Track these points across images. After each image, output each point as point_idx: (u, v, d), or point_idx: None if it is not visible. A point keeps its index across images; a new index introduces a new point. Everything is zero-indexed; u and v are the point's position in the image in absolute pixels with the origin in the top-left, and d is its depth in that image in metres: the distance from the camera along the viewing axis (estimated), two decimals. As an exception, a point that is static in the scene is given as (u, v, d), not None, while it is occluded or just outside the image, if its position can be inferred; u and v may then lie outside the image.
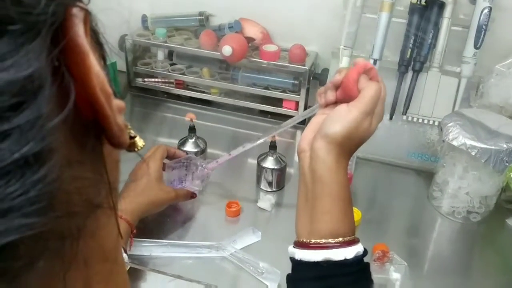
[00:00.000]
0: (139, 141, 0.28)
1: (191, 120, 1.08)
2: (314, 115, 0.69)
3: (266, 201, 1.03)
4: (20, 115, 0.17)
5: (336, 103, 0.66)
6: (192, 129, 1.10)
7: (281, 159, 1.06)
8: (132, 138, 0.27)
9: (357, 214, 1.00)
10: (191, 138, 1.10)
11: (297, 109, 1.26)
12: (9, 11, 0.17)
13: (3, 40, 0.17)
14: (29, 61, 0.18)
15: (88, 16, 0.21)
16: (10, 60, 0.17)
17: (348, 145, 0.61)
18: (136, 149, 0.27)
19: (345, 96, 0.63)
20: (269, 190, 1.06)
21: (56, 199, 0.19)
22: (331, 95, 0.66)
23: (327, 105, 0.67)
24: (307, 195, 0.62)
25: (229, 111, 1.30)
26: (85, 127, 0.22)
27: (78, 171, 0.21)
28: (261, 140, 0.90)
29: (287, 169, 1.08)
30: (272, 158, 1.05)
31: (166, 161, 0.94)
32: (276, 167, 1.04)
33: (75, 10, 0.20)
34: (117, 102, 0.23)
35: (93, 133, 0.23)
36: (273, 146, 1.06)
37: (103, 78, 0.21)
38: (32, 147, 0.18)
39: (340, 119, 0.60)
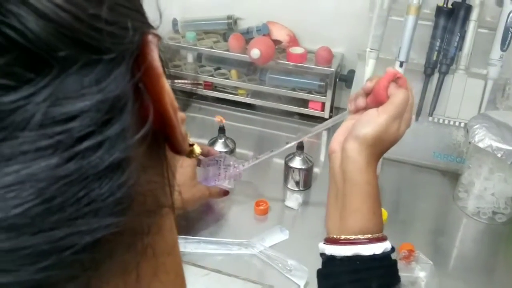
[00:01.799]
0: (197, 149, 0.30)
1: (221, 121, 1.11)
2: (342, 121, 0.72)
3: (294, 200, 1.05)
4: (110, 128, 0.20)
5: (365, 109, 0.69)
6: (221, 130, 1.12)
7: (308, 159, 1.08)
8: (190, 146, 0.29)
9: (383, 214, 1.00)
10: (221, 139, 1.13)
11: (323, 110, 1.27)
12: (106, 43, 0.20)
13: (99, 67, 0.20)
14: (117, 83, 0.20)
15: (160, 41, 0.23)
16: (104, 83, 0.20)
17: (378, 147, 0.63)
18: (194, 156, 0.30)
19: (375, 102, 0.67)
20: (296, 189, 1.08)
21: (135, 200, 0.21)
22: (361, 101, 0.69)
23: (357, 110, 0.70)
24: (337, 194, 0.64)
25: (256, 111, 1.31)
26: (155, 137, 0.24)
27: (150, 175, 0.24)
28: (290, 145, 0.91)
29: (314, 169, 1.09)
30: (300, 158, 1.07)
31: (201, 157, 0.97)
32: (303, 167, 1.06)
33: (150, 37, 0.23)
34: (181, 115, 0.25)
35: (161, 141, 0.25)
36: (300, 147, 1.09)
37: (172, 95, 0.24)
38: (119, 155, 0.20)
39: (371, 122, 0.63)
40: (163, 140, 0.25)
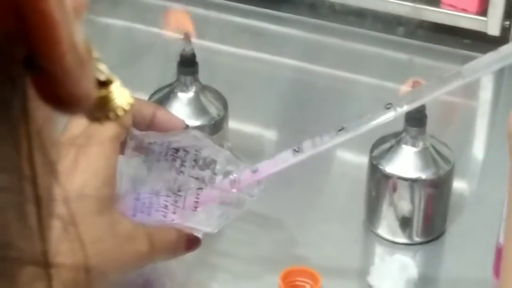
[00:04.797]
0: (122, 95, 0.16)
1: (187, 37, 0.51)
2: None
3: (394, 271, 0.49)
4: None
5: None
6: (188, 62, 0.52)
7: (437, 151, 0.53)
8: (103, 84, 0.16)
9: None
10: (187, 88, 0.54)
11: (483, 12, 0.68)
12: None
13: None
14: None
15: None
16: None
17: None
18: (113, 116, 0.16)
19: None
20: (404, 241, 0.52)
21: None
22: None
23: None
24: None
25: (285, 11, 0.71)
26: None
27: None
28: (391, 115, 0.42)
29: (454, 182, 0.53)
30: (416, 150, 0.52)
31: (135, 132, 0.46)
32: (424, 176, 0.51)
33: None
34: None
35: (13, 68, 0.14)
36: (416, 120, 0.48)
37: None
38: None
39: None
40: (22, 64, 0.14)
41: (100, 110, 0.16)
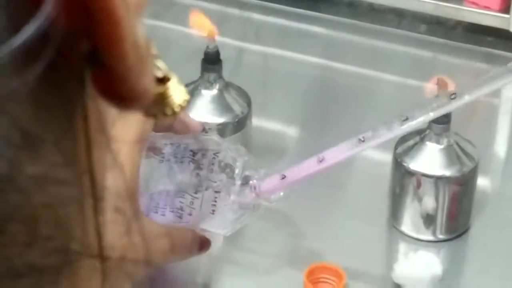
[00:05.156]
0: (177, 90, 0.16)
1: (210, 34, 0.49)
2: None
3: (417, 271, 0.49)
4: None
5: None
6: (211, 59, 0.51)
7: (462, 149, 0.50)
8: (161, 80, 0.16)
9: None
10: (210, 84, 0.52)
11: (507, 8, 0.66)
12: None
13: None
14: None
15: None
16: None
17: None
18: (170, 113, 0.16)
19: None
20: (428, 238, 0.51)
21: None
22: None
23: None
24: None
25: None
26: (65, 54, 0.13)
27: (46, 162, 0.13)
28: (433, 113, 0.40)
29: (478, 178, 0.51)
30: (441, 147, 0.50)
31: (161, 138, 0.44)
32: (449, 173, 0.49)
33: None
34: None
35: (80, 68, 0.14)
36: (442, 118, 0.46)
37: None
38: None
39: None
40: (88, 63, 0.14)
41: (157, 106, 0.16)
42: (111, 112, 0.15)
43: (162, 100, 0.16)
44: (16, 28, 0.11)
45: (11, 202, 0.12)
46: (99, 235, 0.15)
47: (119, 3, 0.13)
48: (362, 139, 0.39)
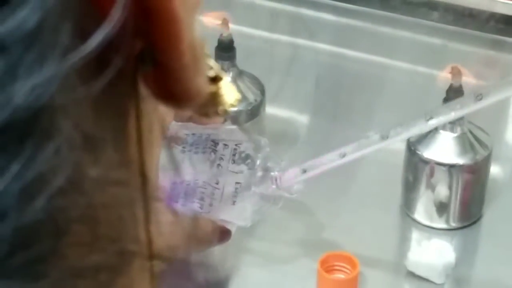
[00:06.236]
0: (229, 90, 0.17)
1: (224, 22, 0.49)
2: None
3: (430, 258, 0.47)
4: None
5: None
6: (226, 47, 0.50)
7: (474, 136, 0.49)
8: (213, 80, 0.16)
9: None
10: (223, 72, 0.48)
11: None
12: None
13: None
14: None
15: None
16: None
17: None
18: (221, 110, 0.18)
19: None
20: (441, 225, 0.50)
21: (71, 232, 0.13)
22: None
23: None
24: None
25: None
26: (127, 55, 0.13)
27: (103, 164, 0.13)
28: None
29: (492, 166, 0.50)
30: (454, 136, 0.48)
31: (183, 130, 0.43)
32: (463, 161, 0.47)
33: None
34: None
35: (137, 68, 0.13)
36: None
37: None
38: (35, 99, 0.10)
39: None
40: (137, 59, 0.13)
41: (209, 105, 0.16)
42: (158, 111, 0.15)
43: (214, 99, 0.16)
44: (84, 36, 0.12)
45: (75, 203, 0.12)
46: (149, 234, 0.15)
47: (179, 2, 0.13)
48: (386, 136, 0.38)
